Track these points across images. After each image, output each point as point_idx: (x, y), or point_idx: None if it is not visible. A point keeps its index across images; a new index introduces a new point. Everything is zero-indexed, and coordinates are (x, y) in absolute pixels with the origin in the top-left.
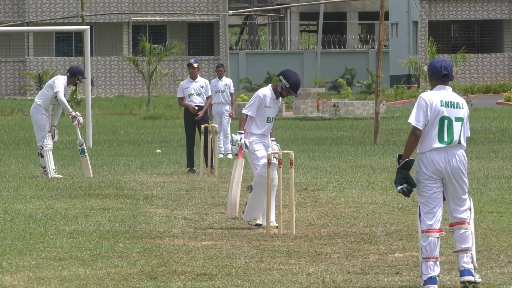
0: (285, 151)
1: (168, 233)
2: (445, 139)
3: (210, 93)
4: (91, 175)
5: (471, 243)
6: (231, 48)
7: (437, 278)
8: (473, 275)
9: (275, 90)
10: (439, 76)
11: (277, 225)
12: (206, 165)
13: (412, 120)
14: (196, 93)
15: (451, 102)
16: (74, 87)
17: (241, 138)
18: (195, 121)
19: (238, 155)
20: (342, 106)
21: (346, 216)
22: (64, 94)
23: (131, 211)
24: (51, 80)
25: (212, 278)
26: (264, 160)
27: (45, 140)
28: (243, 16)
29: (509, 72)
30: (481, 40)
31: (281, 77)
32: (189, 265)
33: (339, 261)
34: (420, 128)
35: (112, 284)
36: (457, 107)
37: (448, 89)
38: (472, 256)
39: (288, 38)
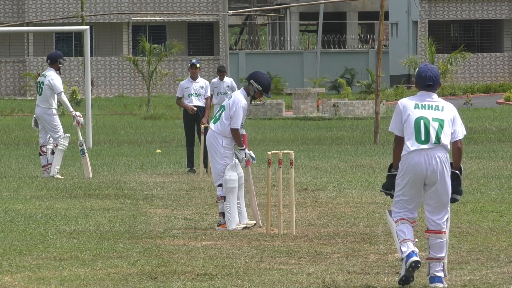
0: (285, 151)
1: (168, 233)
2: (422, 139)
3: (209, 94)
4: (91, 175)
5: (445, 251)
6: (231, 48)
7: (417, 253)
8: (443, 283)
9: (247, 94)
10: (424, 86)
11: (255, 222)
12: (205, 166)
13: (390, 127)
14: (195, 93)
15: (428, 104)
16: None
17: (245, 153)
18: (195, 121)
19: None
20: (342, 106)
21: (346, 216)
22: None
23: (131, 211)
24: (46, 81)
25: (212, 278)
26: (228, 164)
27: (61, 140)
28: (243, 16)
29: (509, 72)
30: (481, 40)
31: (251, 81)
32: (189, 265)
33: (339, 261)
34: (398, 134)
35: (112, 284)
36: (435, 109)
37: (432, 95)
38: (444, 265)
39: (288, 38)
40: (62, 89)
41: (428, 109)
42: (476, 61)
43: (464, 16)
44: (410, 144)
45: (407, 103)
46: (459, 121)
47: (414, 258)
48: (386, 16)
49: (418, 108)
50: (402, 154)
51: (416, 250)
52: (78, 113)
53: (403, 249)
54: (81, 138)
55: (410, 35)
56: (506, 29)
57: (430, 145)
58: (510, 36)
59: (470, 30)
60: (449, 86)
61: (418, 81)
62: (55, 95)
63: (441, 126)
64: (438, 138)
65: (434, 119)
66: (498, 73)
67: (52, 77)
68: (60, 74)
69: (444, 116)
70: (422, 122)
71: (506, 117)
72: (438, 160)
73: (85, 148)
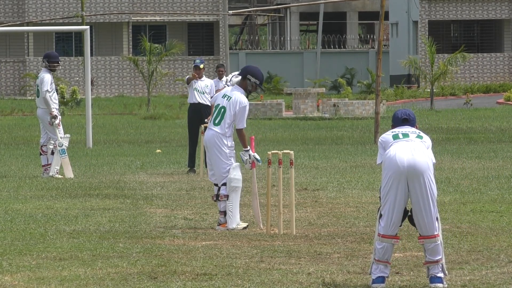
0: (285, 151)
1: (168, 233)
2: (400, 137)
3: (214, 93)
4: (72, 176)
5: (441, 252)
6: (231, 48)
7: (385, 277)
8: (443, 283)
9: (245, 90)
10: (399, 121)
11: (247, 224)
12: (206, 166)
13: (378, 161)
14: (200, 91)
15: (405, 130)
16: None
17: (249, 155)
18: (200, 120)
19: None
20: (342, 106)
21: (346, 216)
22: (51, 83)
23: (131, 211)
24: (39, 81)
25: (212, 278)
26: (233, 164)
27: (63, 141)
28: (243, 16)
29: (509, 72)
30: (481, 40)
31: (249, 76)
32: (189, 265)
33: (339, 261)
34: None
35: (112, 284)
36: (413, 133)
37: (412, 127)
38: (442, 265)
39: (288, 38)
40: (47, 88)
41: (407, 132)
42: (476, 61)
43: (464, 16)
44: (389, 146)
45: (386, 134)
46: (431, 151)
47: (380, 285)
48: (386, 16)
49: (395, 132)
50: (384, 157)
51: (387, 274)
52: (56, 113)
53: (373, 269)
54: (59, 139)
55: (410, 35)
56: (506, 29)
57: (411, 138)
58: (510, 36)
59: (470, 30)
60: (449, 86)
61: (394, 120)
62: (54, 95)
63: (421, 139)
64: (417, 135)
65: (412, 132)
66: (498, 73)
67: (43, 75)
68: (55, 75)
69: (424, 138)
70: (400, 134)
71: (506, 117)
72: (419, 152)
73: (65, 149)
